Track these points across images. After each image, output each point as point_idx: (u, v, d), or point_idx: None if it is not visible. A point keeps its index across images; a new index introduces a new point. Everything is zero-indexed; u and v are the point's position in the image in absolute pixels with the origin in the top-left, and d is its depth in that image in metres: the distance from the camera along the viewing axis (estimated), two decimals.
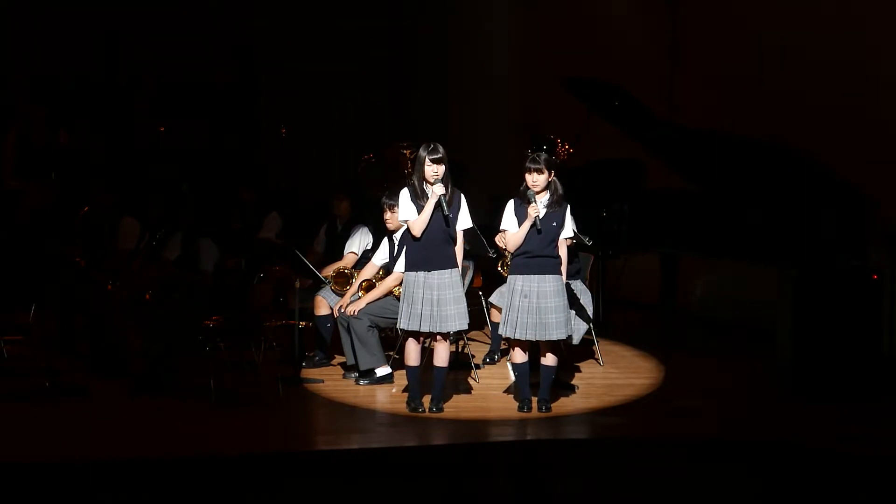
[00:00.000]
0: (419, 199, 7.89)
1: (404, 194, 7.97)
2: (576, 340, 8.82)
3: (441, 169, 7.85)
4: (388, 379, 8.80)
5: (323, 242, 10.26)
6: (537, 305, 7.93)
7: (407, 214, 7.95)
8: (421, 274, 7.92)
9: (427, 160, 7.85)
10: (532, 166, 7.95)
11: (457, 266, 7.97)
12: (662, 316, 10.83)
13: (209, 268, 9.49)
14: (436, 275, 7.91)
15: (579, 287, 9.02)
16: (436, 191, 7.84)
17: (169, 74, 14.42)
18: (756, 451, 7.51)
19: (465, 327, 8.09)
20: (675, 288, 10.77)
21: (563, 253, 8.02)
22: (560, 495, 6.99)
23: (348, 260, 9.31)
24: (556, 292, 7.95)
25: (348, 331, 8.77)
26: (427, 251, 7.90)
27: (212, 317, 8.48)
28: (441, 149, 7.87)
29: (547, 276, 7.95)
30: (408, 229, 7.98)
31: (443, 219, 7.86)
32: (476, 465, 7.38)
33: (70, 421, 7.92)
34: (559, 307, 7.95)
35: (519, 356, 8.12)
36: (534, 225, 7.90)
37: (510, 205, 8.05)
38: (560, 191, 8.01)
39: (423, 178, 7.88)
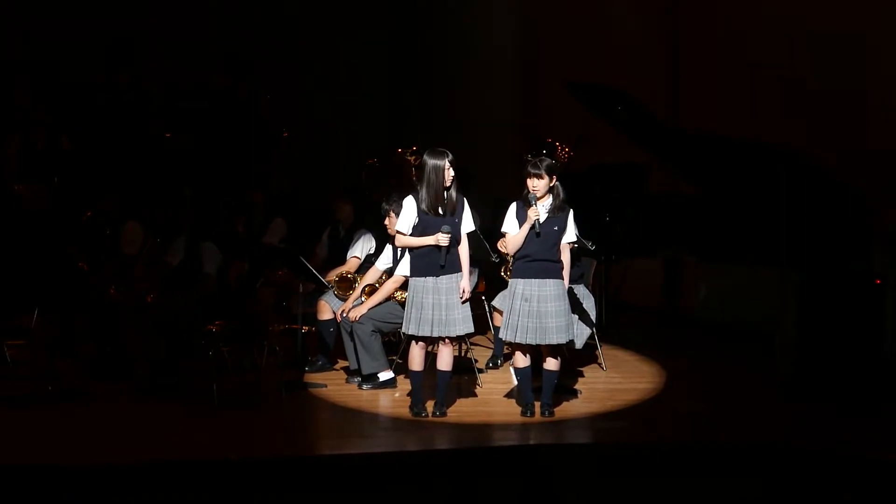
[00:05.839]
0: (420, 203, 7.87)
1: (408, 203, 7.96)
2: (579, 345, 8.81)
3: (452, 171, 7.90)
4: (390, 383, 8.80)
5: (326, 247, 10.26)
6: (538, 309, 7.93)
7: (403, 226, 7.94)
8: (430, 279, 7.91)
9: (447, 165, 7.84)
10: (532, 171, 7.96)
11: (461, 270, 7.97)
12: (665, 320, 10.83)
13: (212, 271, 9.49)
14: (444, 279, 7.91)
15: (582, 291, 9.02)
16: (441, 242, 7.84)
17: (170, 78, 14.42)
18: (758, 455, 7.50)
19: (471, 330, 8.09)
20: (678, 292, 10.77)
21: (565, 258, 8.02)
22: (563, 500, 6.99)
23: (351, 264, 9.30)
24: (556, 296, 7.94)
25: (351, 335, 8.77)
26: (434, 257, 7.89)
27: (214, 321, 8.48)
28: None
29: (548, 280, 7.95)
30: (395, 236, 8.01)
31: (450, 225, 7.89)
32: (479, 470, 7.37)
33: (72, 425, 7.91)
34: (560, 311, 7.94)
35: (521, 360, 8.12)
36: (533, 227, 7.91)
37: (512, 207, 8.06)
38: (562, 195, 8.01)
39: (443, 185, 7.86)
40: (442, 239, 7.84)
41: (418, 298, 7.92)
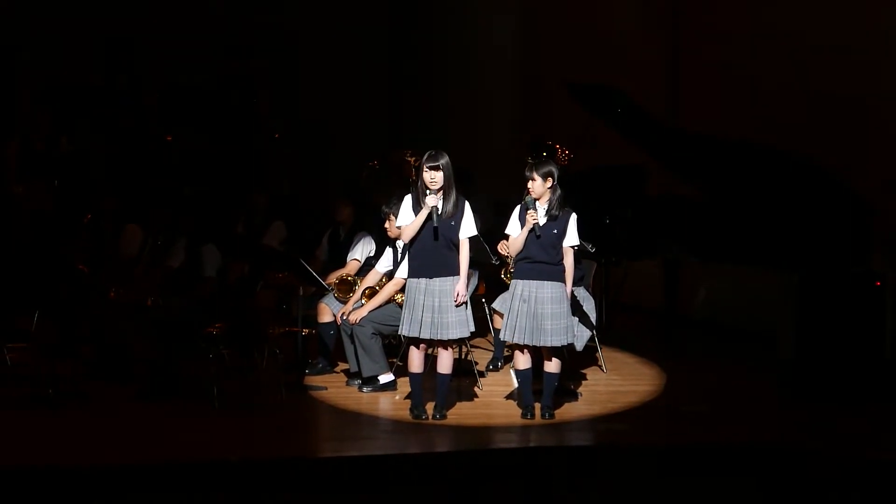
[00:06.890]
0: (419, 206, 7.90)
1: (406, 200, 7.98)
2: (579, 347, 8.80)
3: (438, 175, 7.83)
4: (391, 386, 8.80)
5: (326, 249, 10.25)
6: (535, 311, 7.93)
7: (403, 220, 7.96)
8: (423, 281, 7.91)
9: (424, 167, 7.85)
10: (527, 174, 7.99)
11: (458, 274, 7.95)
12: (665, 322, 10.82)
13: (212, 274, 9.49)
14: (437, 282, 7.91)
15: (583, 294, 9.01)
16: (428, 202, 7.84)
17: (169, 80, 14.44)
18: (759, 456, 7.51)
19: (467, 335, 8.09)
20: (678, 294, 10.76)
21: (567, 262, 8.00)
22: (564, 502, 6.99)
23: (351, 267, 9.29)
24: (554, 299, 7.93)
25: (351, 338, 8.77)
26: (429, 258, 7.90)
27: (214, 323, 8.47)
28: (441, 156, 7.85)
29: (546, 282, 7.94)
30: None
31: (445, 227, 7.86)
32: (479, 472, 7.37)
33: (72, 427, 7.91)
34: (557, 314, 7.93)
35: (522, 362, 8.12)
36: (532, 230, 7.91)
37: (516, 210, 8.07)
38: (559, 198, 7.98)
39: (424, 186, 7.89)
40: (430, 200, 7.81)
41: (411, 299, 7.93)
